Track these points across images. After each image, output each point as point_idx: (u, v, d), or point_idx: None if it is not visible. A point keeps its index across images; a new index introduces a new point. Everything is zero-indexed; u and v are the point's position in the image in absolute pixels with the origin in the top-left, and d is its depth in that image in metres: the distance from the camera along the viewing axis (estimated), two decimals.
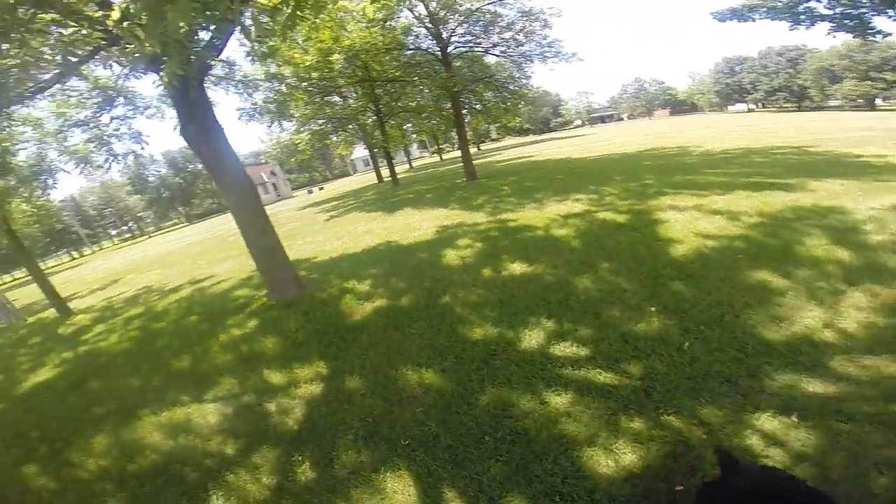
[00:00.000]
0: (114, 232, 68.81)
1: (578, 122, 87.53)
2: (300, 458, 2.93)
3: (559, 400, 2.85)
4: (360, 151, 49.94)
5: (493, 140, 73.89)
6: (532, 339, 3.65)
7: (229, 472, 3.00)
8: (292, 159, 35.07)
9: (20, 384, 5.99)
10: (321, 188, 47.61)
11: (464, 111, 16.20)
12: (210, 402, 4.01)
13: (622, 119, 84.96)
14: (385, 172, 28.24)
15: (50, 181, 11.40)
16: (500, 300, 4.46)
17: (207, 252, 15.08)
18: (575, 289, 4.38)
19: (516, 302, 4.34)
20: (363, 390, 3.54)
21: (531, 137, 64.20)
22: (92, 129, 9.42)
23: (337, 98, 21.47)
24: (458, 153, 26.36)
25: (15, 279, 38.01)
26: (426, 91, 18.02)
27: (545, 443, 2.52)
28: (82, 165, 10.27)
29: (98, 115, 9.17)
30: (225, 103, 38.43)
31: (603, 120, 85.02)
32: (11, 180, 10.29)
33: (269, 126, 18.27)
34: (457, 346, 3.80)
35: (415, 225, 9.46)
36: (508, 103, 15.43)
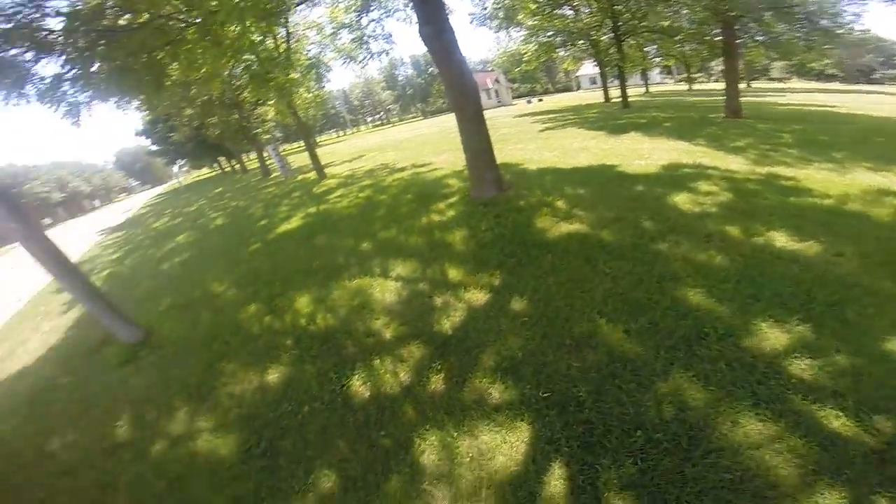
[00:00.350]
0: (370, 119, 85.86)
1: None
2: (438, 366, 2.90)
3: (763, 430, 2.01)
4: (588, 69, 45.38)
5: (772, 79, 55.33)
6: (767, 339, 2.57)
7: (378, 356, 3.16)
8: (517, 69, 34.59)
9: (274, 230, 7.94)
10: (540, 100, 47.18)
11: (738, 41, 12.20)
12: (393, 279, 4.36)
13: None
14: (615, 93, 25.09)
15: (325, 75, 14.55)
16: (740, 274, 3.30)
17: (433, 143, 17.05)
18: (867, 294, 2.85)
19: (763, 284, 3.11)
20: (526, 317, 3.23)
21: (837, 85, 45.17)
22: (355, 31, 11.09)
23: (569, 10, 19.30)
24: (714, 86, 20.91)
25: (299, 147, 50.98)
26: (685, 11, 14.33)
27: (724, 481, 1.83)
28: (348, 61, 12.48)
29: (359, 17, 10.68)
30: (460, 10, 39.50)
31: None
32: (297, 73, 12.80)
33: (496, 32, 18.06)
34: (657, 309, 3.00)
35: (642, 152, 8.12)
36: (814, 41, 10.82)
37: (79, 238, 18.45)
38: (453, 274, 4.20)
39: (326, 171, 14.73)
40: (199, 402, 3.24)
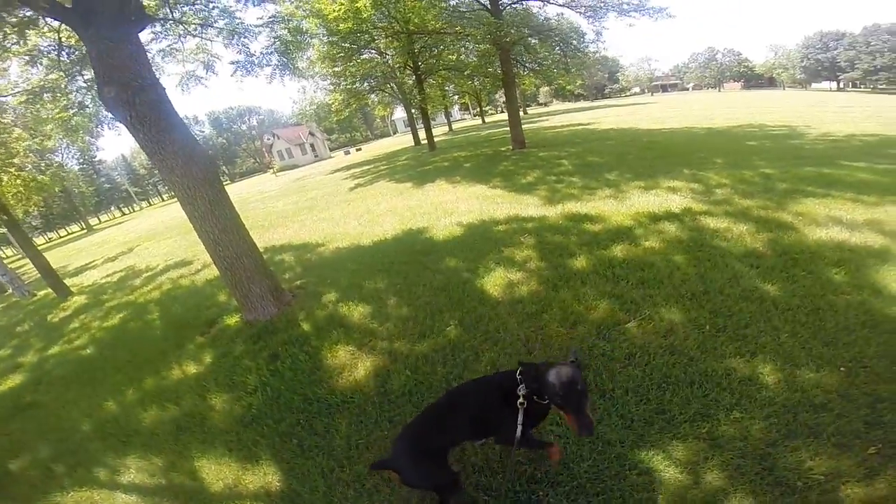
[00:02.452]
0: (163, 188, 71.25)
1: (637, 89, 79.99)
2: None
3: None
4: (401, 112, 47.97)
5: (539, 104, 68.82)
6: None
7: None
8: (327, 120, 33.70)
9: None
10: (358, 149, 46.44)
11: (514, 70, 13.72)
12: (126, 491, 2.80)
13: (687, 89, 76.52)
14: (423, 135, 26.27)
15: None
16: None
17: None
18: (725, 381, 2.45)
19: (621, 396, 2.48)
20: None
21: (582, 104, 58.92)
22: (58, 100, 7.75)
23: (372, 54, 19.40)
24: (501, 116, 23.82)
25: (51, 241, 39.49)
26: (470, 46, 15.74)
27: None
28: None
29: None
30: (224, 56, 37.06)
31: (665, 89, 77.38)
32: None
33: (270, 82, 16.52)
34: None
35: (447, 206, 7.58)
36: (569, 63, 12.81)
37: None
38: (211, 476, 2.69)
39: (83, 275, 11.54)
40: None
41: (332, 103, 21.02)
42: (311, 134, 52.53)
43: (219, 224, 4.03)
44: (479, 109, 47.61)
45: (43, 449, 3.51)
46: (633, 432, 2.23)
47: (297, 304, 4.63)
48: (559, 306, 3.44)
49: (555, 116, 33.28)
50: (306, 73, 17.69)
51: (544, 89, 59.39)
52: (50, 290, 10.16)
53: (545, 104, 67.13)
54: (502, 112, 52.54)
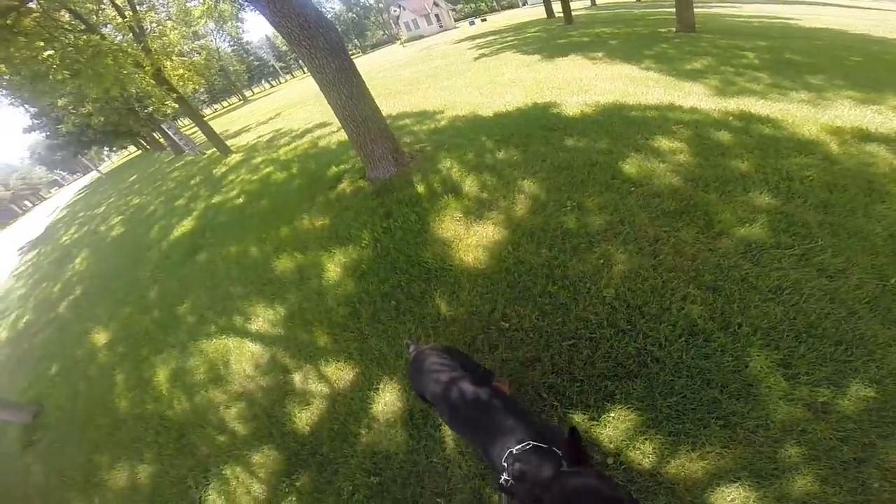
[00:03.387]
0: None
1: None
2: (294, 482, 2.30)
3: None
4: None
5: None
6: None
7: (230, 464, 2.59)
8: None
9: (165, 239, 6.79)
10: (483, 20, 43.28)
11: None
12: (252, 339, 3.47)
13: None
14: (558, 7, 22.29)
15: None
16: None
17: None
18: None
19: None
20: (391, 414, 2.40)
21: None
22: None
23: None
24: None
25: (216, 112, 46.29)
26: None
27: None
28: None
29: None
30: None
31: None
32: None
33: None
34: None
35: (582, 83, 6.61)
36: None
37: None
38: (318, 333, 3.13)
39: (239, 137, 13.99)
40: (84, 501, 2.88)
41: None
42: (436, 4, 50.07)
43: (345, 90, 4.12)
44: None
45: (202, 295, 4.33)
46: (739, 379, 1.96)
47: (415, 166, 4.73)
48: (705, 210, 2.90)
49: (744, 5, 25.50)
50: None
51: None
52: (215, 149, 12.09)
53: None
54: None
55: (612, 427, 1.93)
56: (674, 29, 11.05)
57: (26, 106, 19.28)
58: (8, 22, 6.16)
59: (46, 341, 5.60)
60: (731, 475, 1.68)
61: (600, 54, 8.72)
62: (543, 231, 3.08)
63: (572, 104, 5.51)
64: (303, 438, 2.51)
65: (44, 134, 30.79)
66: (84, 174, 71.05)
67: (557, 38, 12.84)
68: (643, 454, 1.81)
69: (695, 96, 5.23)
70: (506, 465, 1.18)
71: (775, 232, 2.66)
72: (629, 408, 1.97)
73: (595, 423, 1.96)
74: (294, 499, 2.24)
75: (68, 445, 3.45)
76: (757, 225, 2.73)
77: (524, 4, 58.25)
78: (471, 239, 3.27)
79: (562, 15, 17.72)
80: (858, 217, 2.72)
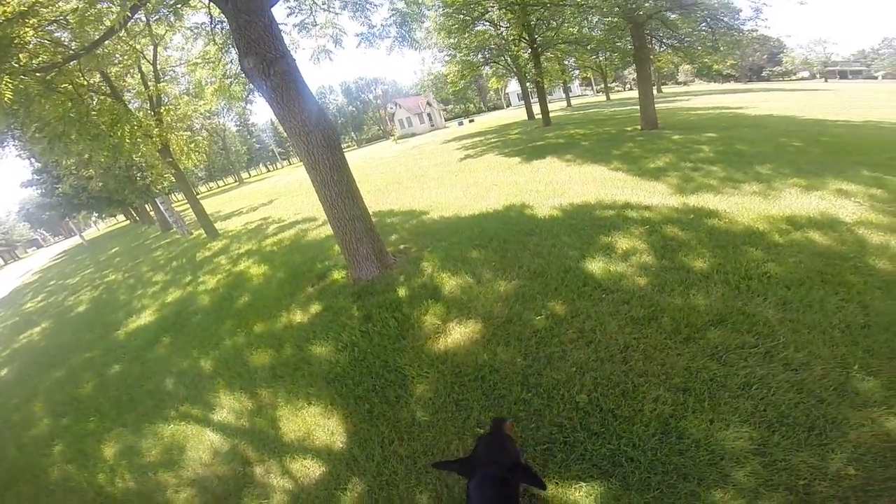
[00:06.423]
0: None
1: (805, 74, 64.52)
2: None
3: None
4: (515, 85, 46.79)
5: (678, 83, 60.04)
6: None
7: None
8: (443, 91, 34.67)
9: (127, 325, 6.79)
10: (471, 120, 47.19)
11: (649, 45, 12.16)
12: (213, 428, 3.34)
13: (874, 78, 58.12)
14: (537, 109, 25.22)
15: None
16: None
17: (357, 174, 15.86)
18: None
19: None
20: None
21: (732, 85, 49.72)
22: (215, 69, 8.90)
23: (486, 26, 19.21)
24: (629, 94, 21.45)
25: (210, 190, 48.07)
26: (594, 19, 14.72)
27: None
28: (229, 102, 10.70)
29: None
30: (349, 29, 39.20)
31: (844, 76, 59.84)
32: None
33: (389, 54, 17.57)
34: None
35: (557, 186, 7.17)
36: (718, 42, 10.85)
37: None
38: (287, 426, 3.06)
39: (229, 220, 13.74)
40: None
41: (448, 74, 21.65)
42: (429, 104, 54.36)
43: (336, 188, 4.41)
44: (603, 85, 43.52)
45: (167, 380, 4.25)
46: (716, 471, 1.97)
47: (398, 268, 4.92)
48: (672, 316, 3.05)
49: (697, 97, 28.81)
50: (423, 44, 18.46)
51: (685, 67, 51.44)
52: (202, 231, 12.57)
53: (685, 83, 58.35)
54: (631, 90, 47.03)
55: None
56: (639, 127, 12.41)
57: (32, 160, 19.59)
58: (48, 77, 6.43)
59: None
60: None
61: (571, 156, 9.67)
62: (518, 340, 3.16)
63: (546, 207, 5.97)
64: None
65: (39, 191, 30.87)
66: (66, 237, 69.68)
67: (536, 139, 14.28)
68: None
69: (658, 195, 5.69)
70: None
71: (739, 333, 2.77)
72: None
73: None
74: None
75: None
76: (721, 328, 2.87)
77: (508, 106, 64.69)
78: (448, 345, 3.34)
79: (541, 117, 19.93)
80: (815, 312, 2.85)
